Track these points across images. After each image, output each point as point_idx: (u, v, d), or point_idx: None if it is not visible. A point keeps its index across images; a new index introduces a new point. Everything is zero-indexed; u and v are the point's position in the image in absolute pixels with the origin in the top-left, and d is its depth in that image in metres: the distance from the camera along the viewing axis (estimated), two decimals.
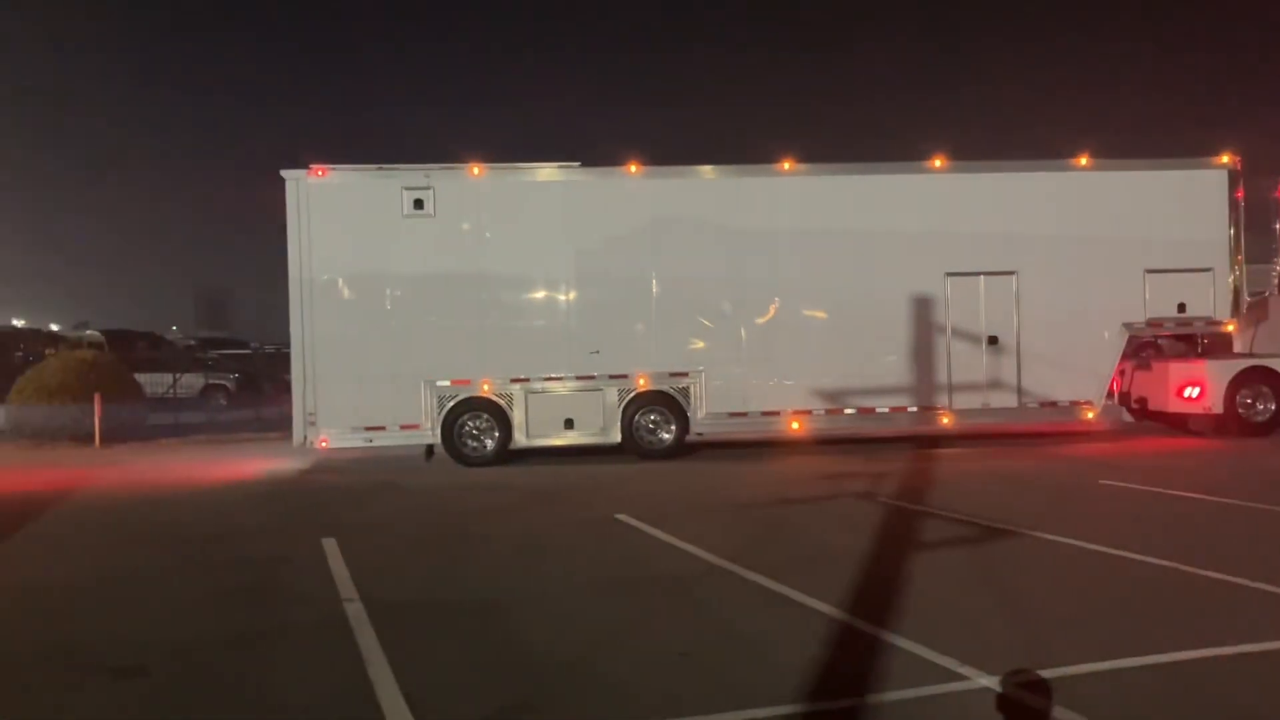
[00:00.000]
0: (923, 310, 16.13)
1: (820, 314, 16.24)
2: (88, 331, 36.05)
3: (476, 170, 15.79)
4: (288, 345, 16.10)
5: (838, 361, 16.03)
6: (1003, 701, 5.34)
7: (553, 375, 15.69)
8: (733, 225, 16.01)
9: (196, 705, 5.68)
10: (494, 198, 15.82)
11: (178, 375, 27.68)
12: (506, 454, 15.60)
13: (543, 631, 6.82)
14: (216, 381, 30.87)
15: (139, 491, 13.75)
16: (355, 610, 7.31)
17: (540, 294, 15.99)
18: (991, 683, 5.53)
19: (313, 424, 15.31)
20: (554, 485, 13.62)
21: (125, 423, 21.01)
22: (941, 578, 7.89)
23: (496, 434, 15.55)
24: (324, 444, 15.38)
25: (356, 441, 15.50)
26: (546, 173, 15.96)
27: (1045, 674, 5.61)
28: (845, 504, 11.35)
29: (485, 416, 15.56)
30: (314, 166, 15.51)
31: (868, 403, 16.03)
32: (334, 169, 15.59)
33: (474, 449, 15.56)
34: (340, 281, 15.56)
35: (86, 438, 19.89)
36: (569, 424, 15.66)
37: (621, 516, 10.83)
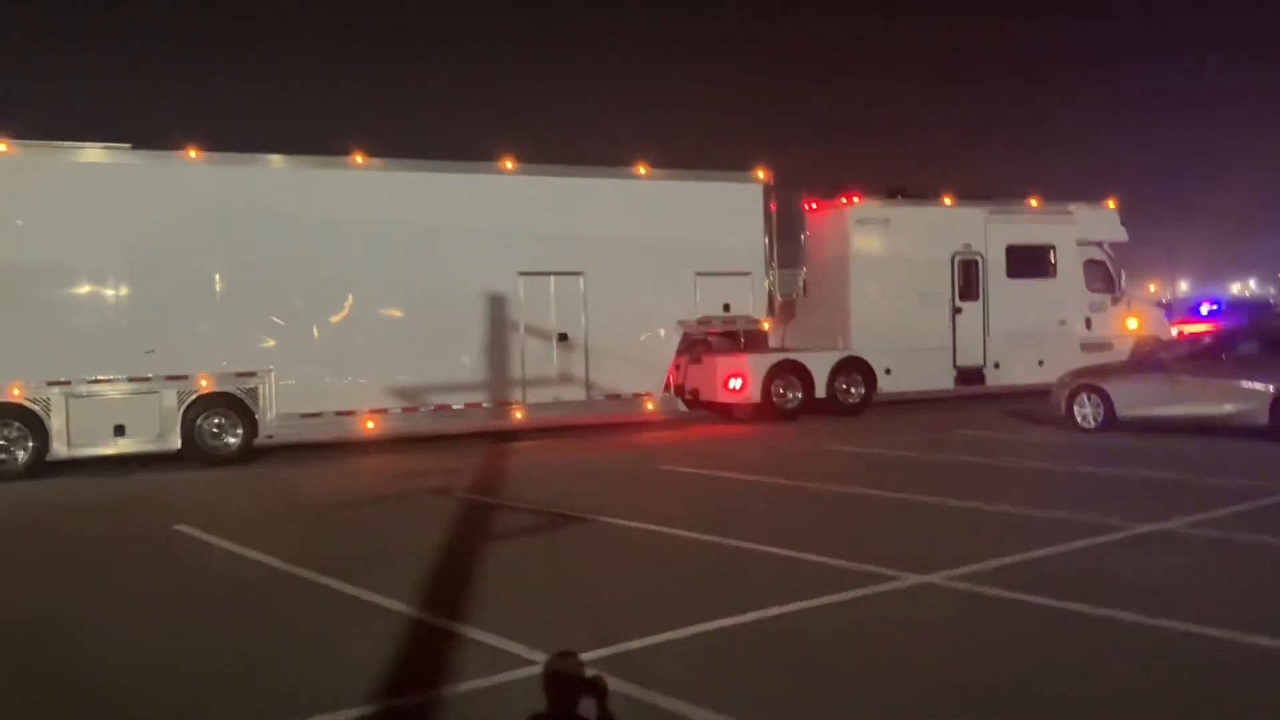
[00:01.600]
0: (497, 308, 16.49)
1: (396, 311, 16.10)
2: None
3: (3, 147, 14.00)
4: None
5: (414, 359, 15.97)
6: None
7: (100, 377, 14.23)
8: (304, 218, 15.40)
9: None
10: (28, 180, 14.09)
11: None
12: (43, 467, 13.95)
13: (89, 656, 6.25)
14: None
15: None
16: None
17: (85, 287, 14.48)
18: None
19: None
20: (103, 499, 12.46)
21: None
22: (512, 567, 8.16)
23: (30, 444, 13.82)
24: None
25: None
26: (92, 154, 14.49)
27: (607, 651, 5.96)
28: (419, 501, 11.37)
29: (16, 425, 13.80)
30: None
31: (444, 399, 16.12)
32: None
33: (2, 462, 13.76)
34: None
35: None
36: (120, 430, 14.29)
37: (181, 527, 10.11)
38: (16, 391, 13.77)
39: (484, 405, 16.41)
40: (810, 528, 9.42)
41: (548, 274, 16.79)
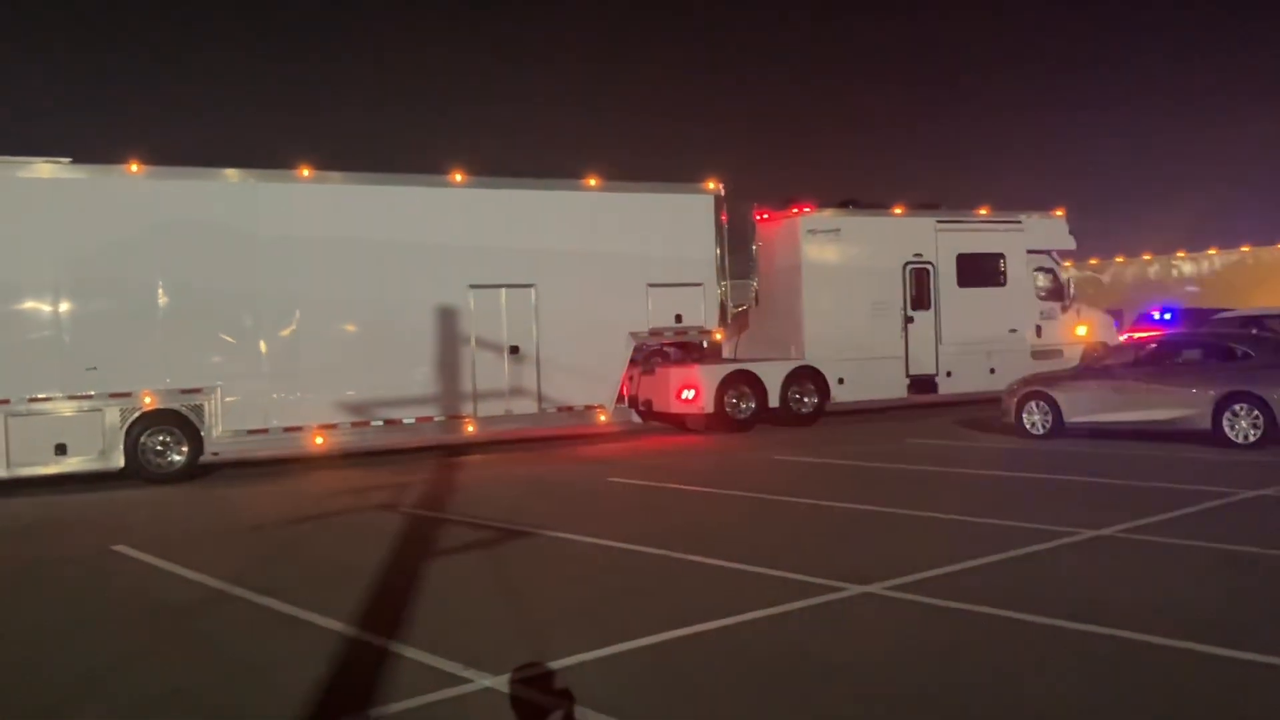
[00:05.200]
0: (448, 321, 16.38)
1: (346, 325, 15.93)
2: None
3: None
4: None
5: (364, 373, 15.81)
6: (502, 699, 5.56)
7: (41, 395, 13.99)
8: (251, 232, 15.21)
9: None
10: None
11: None
12: None
13: (10, 683, 6.09)
14: None
15: None
16: None
17: (25, 304, 14.18)
18: (493, 682, 5.74)
19: None
20: (43, 519, 12.20)
21: None
22: (453, 583, 8.08)
23: None
24: None
25: None
26: (32, 169, 14.23)
27: (547, 667, 5.91)
28: (365, 517, 11.24)
29: None
30: None
31: (394, 414, 15.96)
32: None
33: None
34: None
35: None
36: (62, 449, 14.03)
37: (120, 548, 9.92)
38: None
39: (435, 419, 16.27)
40: (756, 539, 9.42)
41: (499, 286, 16.70)
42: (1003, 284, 21.05)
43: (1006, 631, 6.42)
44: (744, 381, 18.40)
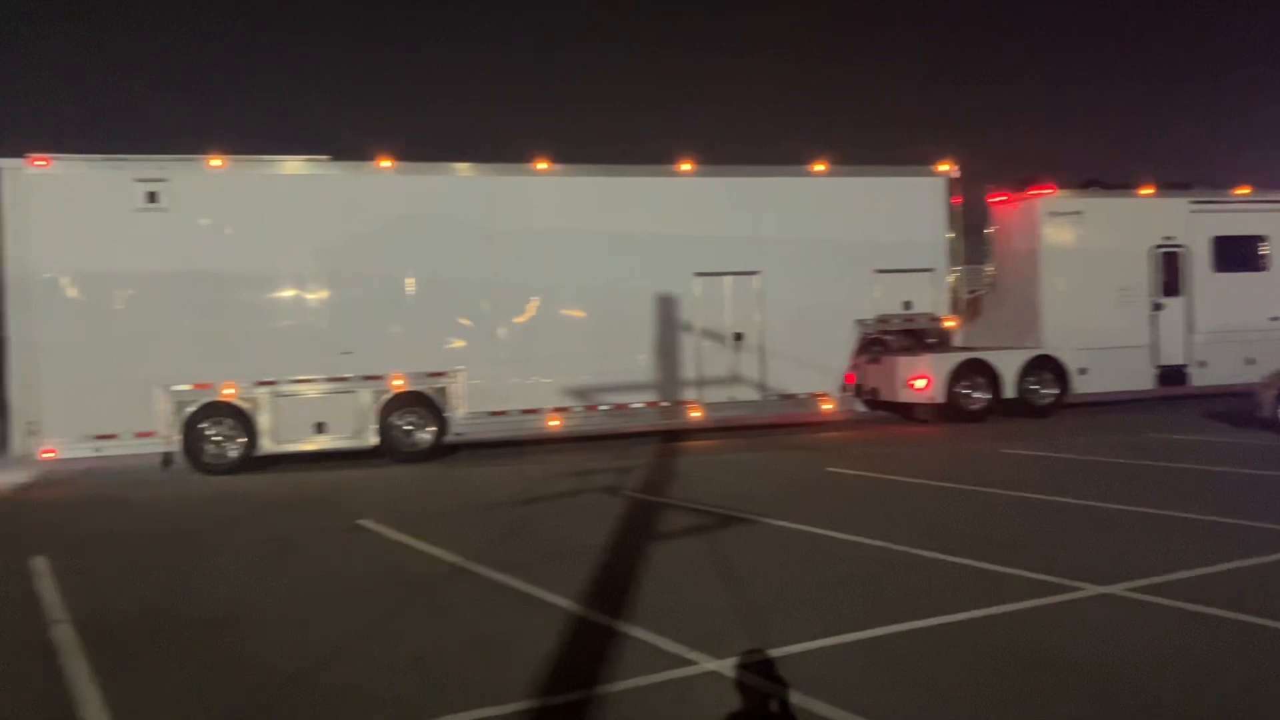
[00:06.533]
0: (673, 309, 16.65)
1: (577, 313, 16.48)
2: None
3: (217, 162, 15.08)
4: None
5: (594, 359, 16.31)
6: (725, 683, 5.64)
7: (302, 377, 15.17)
8: (489, 224, 15.97)
9: None
10: (236, 191, 15.15)
11: None
12: (252, 461, 14.97)
13: (271, 644, 6.67)
14: None
15: None
16: (64, 633, 6.89)
17: (287, 292, 15.44)
18: (716, 665, 5.84)
19: (34, 433, 14.19)
20: (299, 492, 13.22)
21: None
22: (677, 567, 8.23)
23: (241, 440, 14.87)
24: (49, 455, 14.31)
25: (85, 451, 14.49)
26: (293, 166, 15.44)
27: (769, 654, 5.95)
28: (593, 499, 11.59)
29: (229, 422, 14.85)
30: (33, 155, 14.38)
31: (622, 399, 16.40)
32: (57, 158, 14.49)
33: (216, 456, 14.82)
34: (65, 280, 14.49)
35: None
36: (320, 428, 15.19)
37: (366, 522, 10.66)
38: (229, 390, 14.82)
39: (661, 404, 16.60)
40: (983, 535, 9.13)
41: (722, 274, 16.84)
42: (1264, 268, 19.47)
43: (1258, 641, 5.98)
44: (977, 371, 17.79)
